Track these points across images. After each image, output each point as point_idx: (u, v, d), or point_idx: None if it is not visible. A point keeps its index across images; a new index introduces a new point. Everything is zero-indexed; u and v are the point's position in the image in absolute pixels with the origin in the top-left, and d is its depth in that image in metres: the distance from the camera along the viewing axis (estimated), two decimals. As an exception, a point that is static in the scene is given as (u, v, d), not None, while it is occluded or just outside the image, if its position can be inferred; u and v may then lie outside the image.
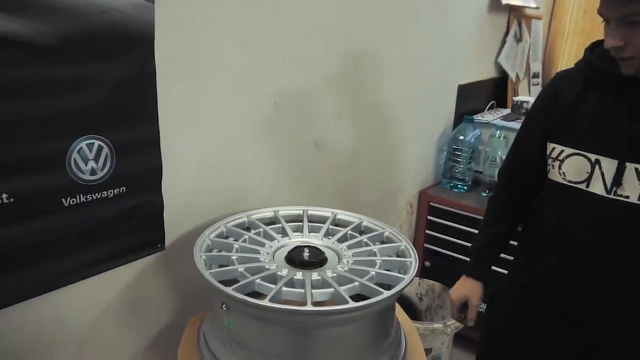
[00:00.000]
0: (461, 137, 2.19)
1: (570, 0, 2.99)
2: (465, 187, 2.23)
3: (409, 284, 0.99)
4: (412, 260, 1.09)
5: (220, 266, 1.07)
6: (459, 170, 2.21)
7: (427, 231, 2.24)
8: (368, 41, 1.71)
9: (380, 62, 1.79)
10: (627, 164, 1.01)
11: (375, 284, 1.00)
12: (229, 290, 0.92)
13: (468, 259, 1.37)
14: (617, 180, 1.03)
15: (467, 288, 1.32)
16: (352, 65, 1.66)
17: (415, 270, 1.05)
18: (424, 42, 1.99)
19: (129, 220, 1.11)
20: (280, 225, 1.27)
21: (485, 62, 2.55)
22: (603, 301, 1.11)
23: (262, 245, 1.15)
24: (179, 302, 1.30)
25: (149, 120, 1.09)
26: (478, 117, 2.30)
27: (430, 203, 2.21)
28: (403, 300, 2.10)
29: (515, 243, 1.33)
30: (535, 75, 3.02)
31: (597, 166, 1.05)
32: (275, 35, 1.35)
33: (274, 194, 1.49)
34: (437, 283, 2.08)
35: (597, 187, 1.06)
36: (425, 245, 2.26)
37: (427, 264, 2.27)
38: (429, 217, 2.22)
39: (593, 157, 1.05)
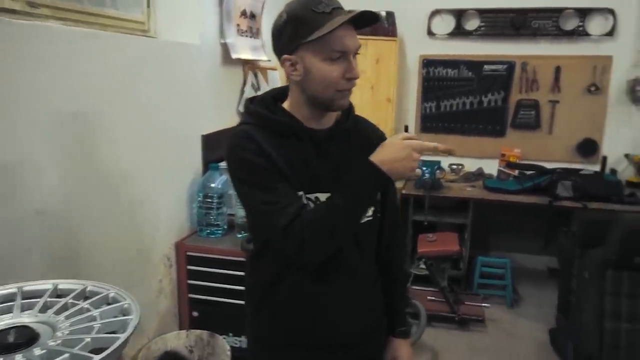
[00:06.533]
0: (211, 185, 2.28)
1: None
2: (220, 232, 2.30)
3: (125, 341, 0.98)
4: (133, 317, 1.08)
5: None
6: (213, 216, 2.28)
7: (190, 281, 2.24)
8: (95, 104, 1.68)
9: (111, 122, 1.76)
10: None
11: (93, 349, 0.97)
12: None
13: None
14: None
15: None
16: (78, 129, 1.61)
17: (134, 327, 1.03)
18: (157, 99, 2.03)
19: None
20: (-15, 311, 1.13)
21: (228, 112, 2.71)
22: (341, 323, 1.22)
23: (-43, 339, 1.01)
24: None
25: None
26: (223, 164, 2.42)
27: (188, 253, 2.22)
28: (174, 357, 2.05)
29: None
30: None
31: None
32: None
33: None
34: (204, 331, 2.08)
35: None
36: (190, 295, 2.25)
37: (195, 314, 2.26)
38: (188, 267, 2.23)
39: (312, 196, 1.14)
